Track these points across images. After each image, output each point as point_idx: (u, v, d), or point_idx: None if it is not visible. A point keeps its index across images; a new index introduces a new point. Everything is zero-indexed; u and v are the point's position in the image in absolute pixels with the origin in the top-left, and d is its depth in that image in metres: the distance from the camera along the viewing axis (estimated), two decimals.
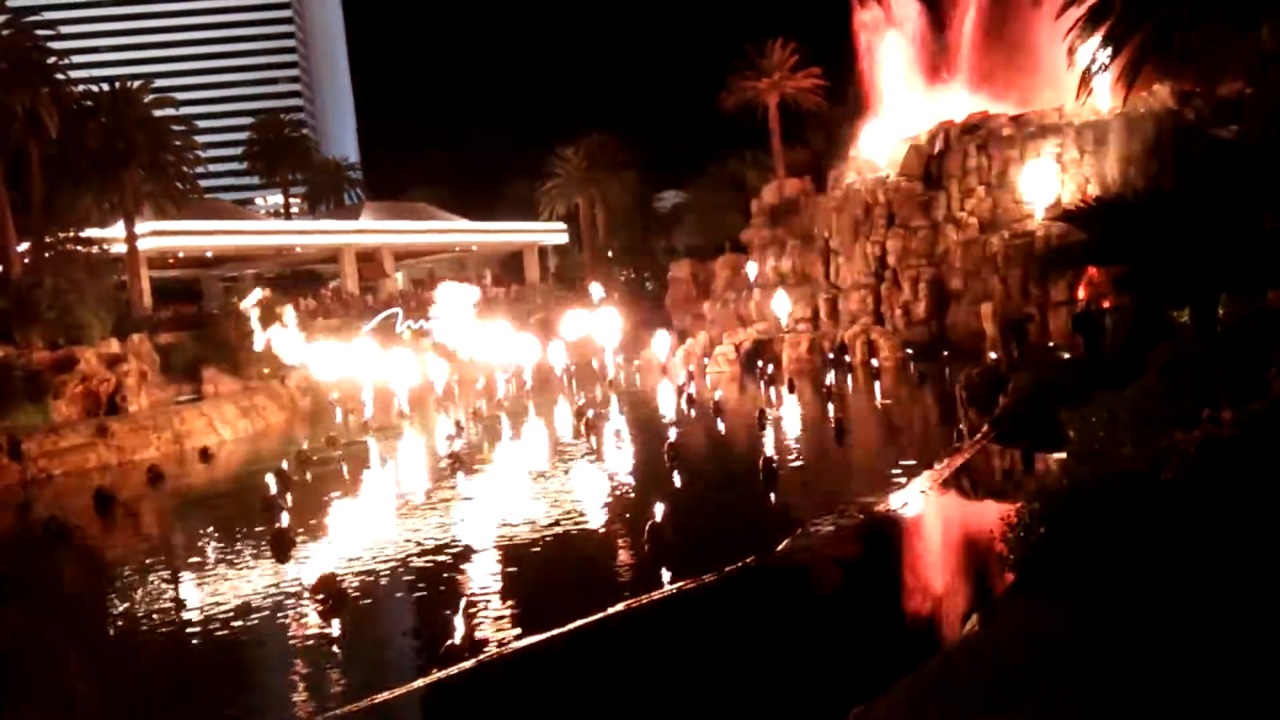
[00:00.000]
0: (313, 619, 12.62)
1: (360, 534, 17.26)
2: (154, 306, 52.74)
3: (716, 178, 72.25)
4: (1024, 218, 40.03)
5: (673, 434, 22.33)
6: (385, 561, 15.03)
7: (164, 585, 15.39)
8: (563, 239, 78.04)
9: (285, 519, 17.23)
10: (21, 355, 33.22)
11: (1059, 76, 42.02)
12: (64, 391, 32.03)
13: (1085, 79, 26.96)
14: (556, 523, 16.73)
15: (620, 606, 11.44)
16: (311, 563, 15.18)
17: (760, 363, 40.66)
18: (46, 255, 42.39)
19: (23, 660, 12.42)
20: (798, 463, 20.87)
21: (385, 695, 9.63)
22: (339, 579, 13.54)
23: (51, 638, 13.44)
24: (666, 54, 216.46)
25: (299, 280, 67.54)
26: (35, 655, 12.64)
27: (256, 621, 12.69)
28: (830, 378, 34.51)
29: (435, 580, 13.95)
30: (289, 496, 20.47)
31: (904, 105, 48.82)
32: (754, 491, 17.76)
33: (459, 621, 10.65)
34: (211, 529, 19.51)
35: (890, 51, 50.69)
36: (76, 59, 48.18)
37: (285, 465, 24.21)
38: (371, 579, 14.20)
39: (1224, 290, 20.08)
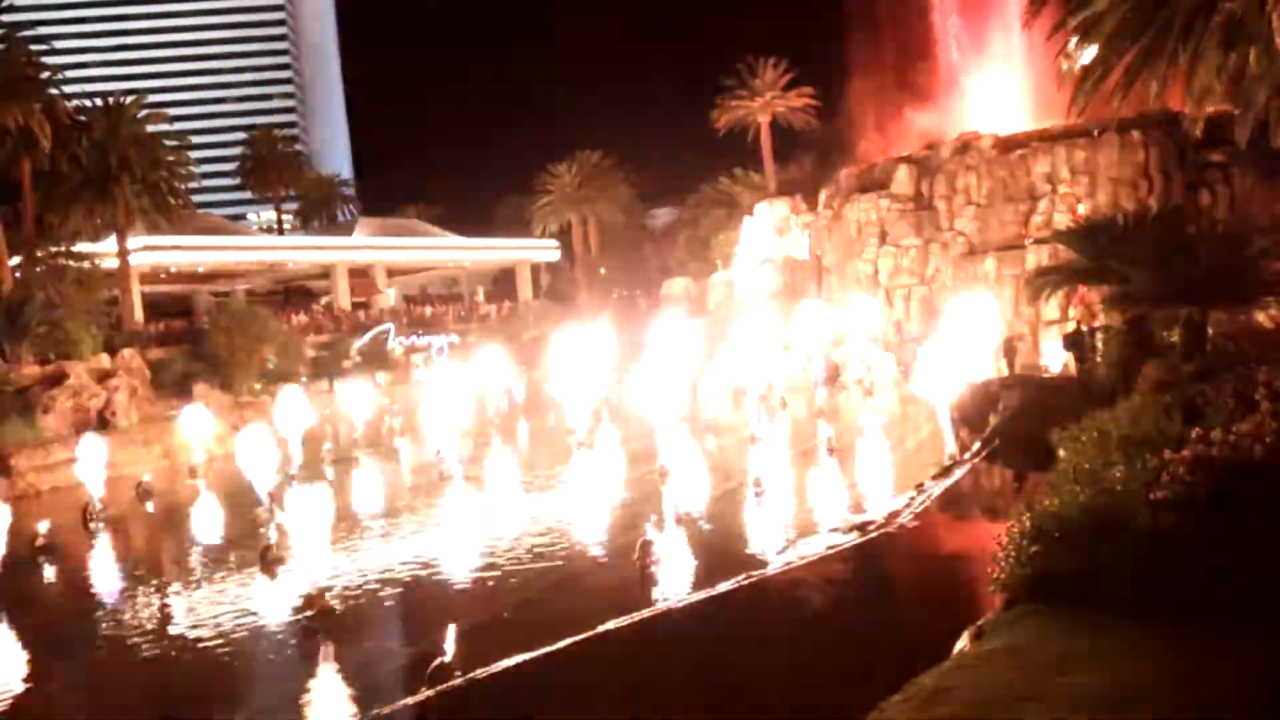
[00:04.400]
0: (300, 636, 12.54)
1: (349, 551, 17.17)
2: (145, 321, 52.60)
3: (709, 196, 72.49)
4: (1015, 237, 40.20)
5: (664, 452, 22.28)
6: (374, 579, 14.95)
7: (150, 602, 15.27)
8: (555, 256, 78.05)
9: (273, 536, 17.14)
10: (11, 370, 33.07)
11: (1049, 96, 42.31)
12: (53, 406, 31.87)
13: (1074, 98, 27.15)
14: (547, 540, 16.67)
15: (610, 625, 11.39)
16: (299, 579, 15.09)
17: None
18: (38, 270, 42.28)
19: (10, 676, 12.32)
20: (789, 481, 20.83)
21: (373, 713, 9.57)
22: (327, 596, 13.47)
23: (39, 654, 13.32)
24: (659, 73, 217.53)
25: (291, 296, 67.48)
26: (24, 670, 12.53)
27: (243, 639, 12.60)
28: (822, 396, 34.54)
29: (424, 598, 13.88)
30: (277, 513, 20.34)
31: (895, 124, 49.08)
32: (745, 510, 17.72)
33: (448, 639, 10.59)
34: (199, 545, 19.40)
35: (881, 71, 50.99)
36: (70, 74, 48.27)
37: (274, 482, 24.09)
38: (360, 596, 14.12)
39: (1213, 310, 20.20)
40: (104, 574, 18.52)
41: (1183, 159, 37.74)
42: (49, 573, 18.59)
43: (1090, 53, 25.60)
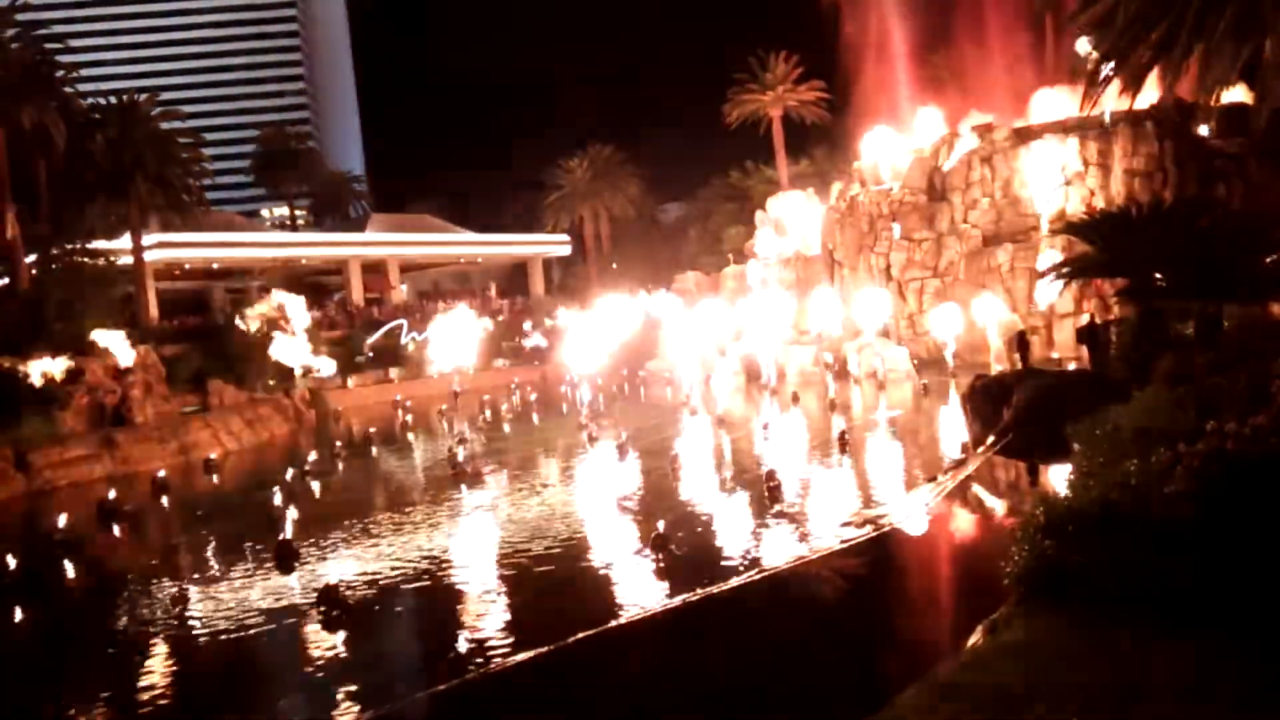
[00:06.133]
0: (316, 630, 12.62)
1: (364, 545, 17.26)
2: (160, 318, 52.90)
3: (720, 190, 72.43)
4: (1028, 230, 40.05)
5: (677, 446, 22.32)
6: (389, 573, 15.03)
7: (167, 596, 15.38)
8: (566, 251, 78.17)
9: (289, 530, 17.25)
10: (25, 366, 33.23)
11: (1064, 88, 42.16)
12: (70, 403, 32.09)
13: (1090, 90, 27.05)
14: (561, 533, 16.73)
15: (624, 619, 11.43)
16: (315, 574, 15.19)
17: (765, 374, 40.63)
18: (54, 267, 42.52)
19: (27, 668, 12.45)
20: (802, 475, 20.84)
21: (388, 707, 9.62)
22: (342, 590, 13.56)
23: (54, 647, 13.44)
24: (670, 67, 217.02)
25: (304, 292, 67.72)
26: (39, 664, 12.65)
27: (259, 633, 12.68)
28: (834, 389, 34.49)
29: (439, 591, 13.94)
30: (292, 508, 20.46)
31: (908, 117, 48.92)
32: (758, 504, 17.73)
33: (463, 633, 10.64)
34: (215, 540, 19.53)
35: (893, 64, 50.85)
36: (84, 72, 48.49)
37: (289, 476, 24.24)
38: (375, 590, 14.19)
39: (1227, 302, 20.08)
40: (118, 568, 18.63)
41: (1197, 150, 37.55)
42: (68, 567, 18.73)
43: (1106, 43, 25.53)
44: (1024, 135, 41.85)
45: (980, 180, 41.92)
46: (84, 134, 45.57)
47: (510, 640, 11.16)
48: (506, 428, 35.11)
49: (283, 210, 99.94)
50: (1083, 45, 38.52)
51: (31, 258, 42.97)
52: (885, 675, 9.11)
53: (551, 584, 13.96)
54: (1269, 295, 20.79)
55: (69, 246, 43.65)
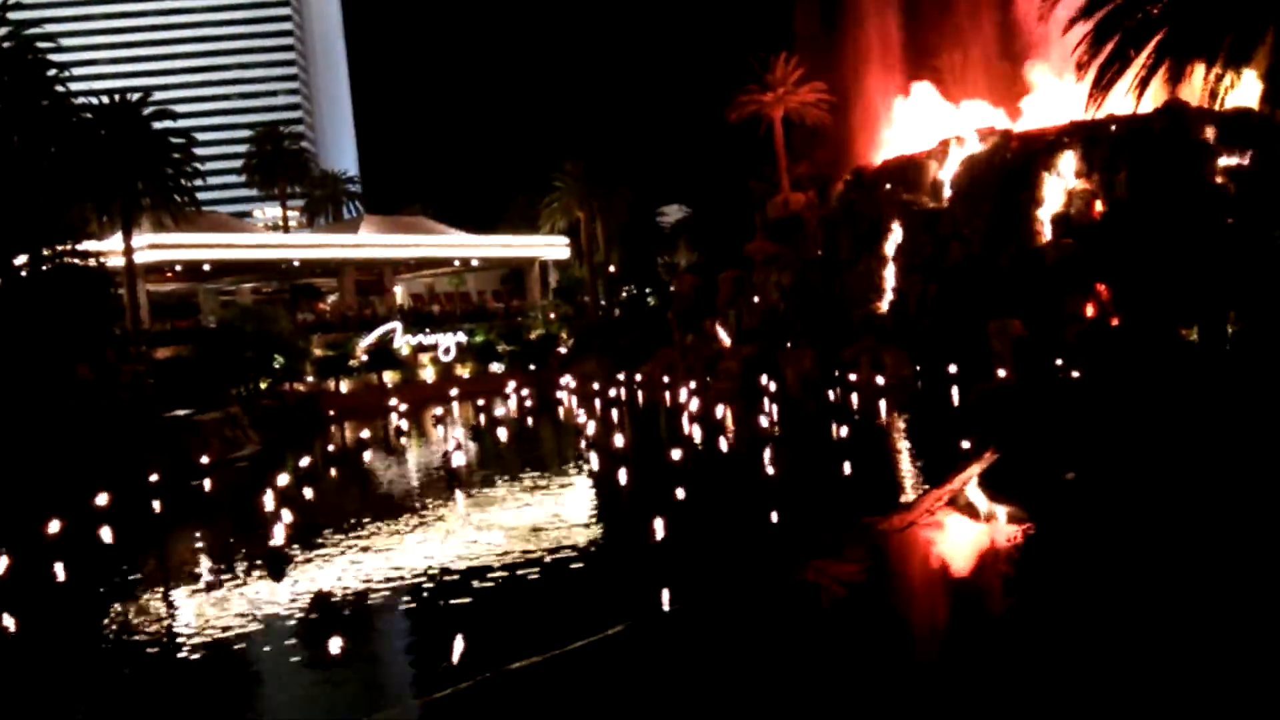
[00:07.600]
0: (308, 637, 12.37)
1: (357, 551, 16.97)
2: (151, 321, 52.52)
3: (720, 192, 72.24)
4: (1031, 234, 39.77)
5: (674, 451, 22.05)
6: (382, 579, 14.77)
7: (158, 602, 15.10)
8: (564, 253, 77.75)
9: (280, 536, 16.96)
10: None
11: (1068, 92, 42.04)
12: None
13: (1094, 94, 26.81)
14: (557, 540, 16.46)
15: (620, 627, 11.17)
16: (307, 580, 14.93)
17: (763, 379, 40.33)
18: (44, 268, 42.10)
19: (12, 675, 12.16)
20: (800, 481, 20.56)
21: (380, 715, 9.42)
22: (334, 597, 13.30)
23: (43, 651, 13.14)
24: (670, 69, 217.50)
25: (297, 293, 67.34)
26: (25, 670, 12.35)
27: (251, 640, 12.44)
28: (834, 394, 34.25)
29: (432, 598, 13.68)
30: (284, 513, 20.14)
31: (910, 119, 48.84)
32: (756, 510, 17.45)
33: (456, 640, 10.41)
34: (207, 546, 19.24)
35: (894, 68, 50.79)
36: (76, 71, 48.05)
37: (282, 481, 23.91)
38: (368, 597, 13.93)
39: (1233, 309, 19.90)
40: (109, 572, 18.30)
41: (1203, 156, 37.28)
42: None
43: (1109, 47, 25.32)
44: (1027, 138, 41.67)
45: (983, 183, 41.54)
46: (77, 133, 45.15)
47: (503, 647, 10.87)
48: (502, 432, 34.81)
49: (276, 211, 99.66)
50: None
51: (22, 259, 42.56)
52: (886, 683, 8.85)
53: (548, 589, 13.71)
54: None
55: (60, 247, 43.24)
